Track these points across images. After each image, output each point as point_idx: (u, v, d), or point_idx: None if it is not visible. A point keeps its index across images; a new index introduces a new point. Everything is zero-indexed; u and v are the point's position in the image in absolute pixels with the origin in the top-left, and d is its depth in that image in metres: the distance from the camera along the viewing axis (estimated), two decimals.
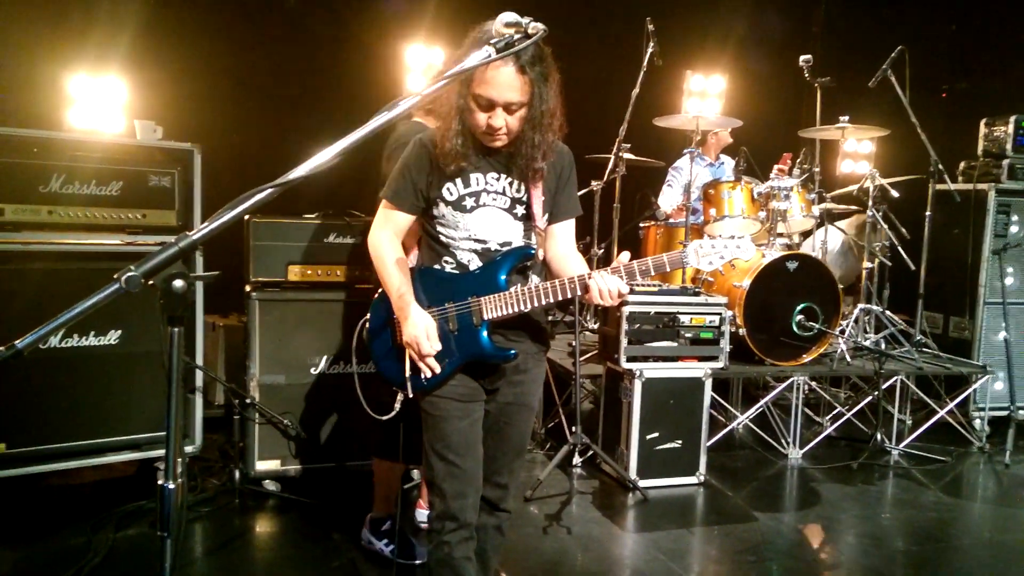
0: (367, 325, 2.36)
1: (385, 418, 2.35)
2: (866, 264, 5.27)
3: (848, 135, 5.54)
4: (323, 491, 3.75)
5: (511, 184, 2.24)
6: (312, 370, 3.79)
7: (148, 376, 3.70)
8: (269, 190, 1.23)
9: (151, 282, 1.20)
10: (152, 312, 3.71)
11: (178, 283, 1.19)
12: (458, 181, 2.21)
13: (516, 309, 2.17)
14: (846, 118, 5.22)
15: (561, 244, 2.36)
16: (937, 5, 7.42)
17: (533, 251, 2.26)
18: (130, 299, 3.65)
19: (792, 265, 4.75)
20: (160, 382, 3.74)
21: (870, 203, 5.17)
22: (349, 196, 3.93)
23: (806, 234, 5.61)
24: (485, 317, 2.18)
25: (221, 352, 5.00)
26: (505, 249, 2.24)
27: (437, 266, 2.27)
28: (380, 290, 2.34)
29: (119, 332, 3.63)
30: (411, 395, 2.25)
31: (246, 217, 3.71)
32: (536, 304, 2.18)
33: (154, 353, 3.71)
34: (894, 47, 5.16)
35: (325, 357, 3.80)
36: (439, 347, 2.18)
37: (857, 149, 7.24)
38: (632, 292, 4.14)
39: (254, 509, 3.62)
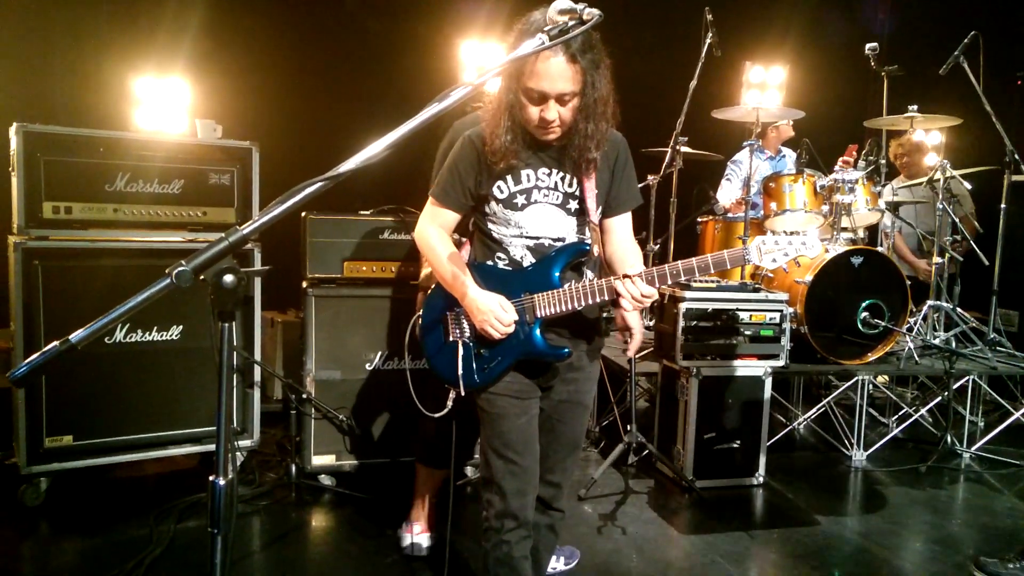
0: (419, 321, 2.34)
1: (438, 415, 2.33)
2: (936, 259, 5.06)
3: (917, 125, 5.33)
4: (377, 486, 3.77)
5: (563, 179, 2.19)
6: (367, 366, 3.81)
7: (209, 371, 3.77)
8: (319, 184, 1.22)
9: (202, 277, 1.19)
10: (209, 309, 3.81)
11: (228, 278, 1.19)
12: (508, 179, 2.17)
13: (570, 307, 2.13)
14: (915, 107, 5.02)
15: (618, 239, 2.31)
16: None
17: (587, 247, 2.21)
18: (189, 295, 3.72)
19: (857, 260, 4.59)
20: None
21: (940, 196, 4.96)
22: (403, 192, 3.95)
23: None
24: (538, 315, 2.15)
25: (279, 348, 5.08)
26: (559, 245, 2.20)
27: (490, 262, 2.24)
28: (432, 286, 2.33)
29: (180, 328, 3.71)
30: (463, 393, 2.23)
31: (303, 214, 3.78)
32: (590, 302, 2.13)
33: (215, 347, 3.78)
34: (966, 35, 4.95)
35: (379, 353, 3.81)
36: (515, 316, 2.14)
37: (925, 140, 6.98)
38: (689, 288, 4.05)
39: (310, 503, 3.65)
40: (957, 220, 5.06)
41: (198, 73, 5.08)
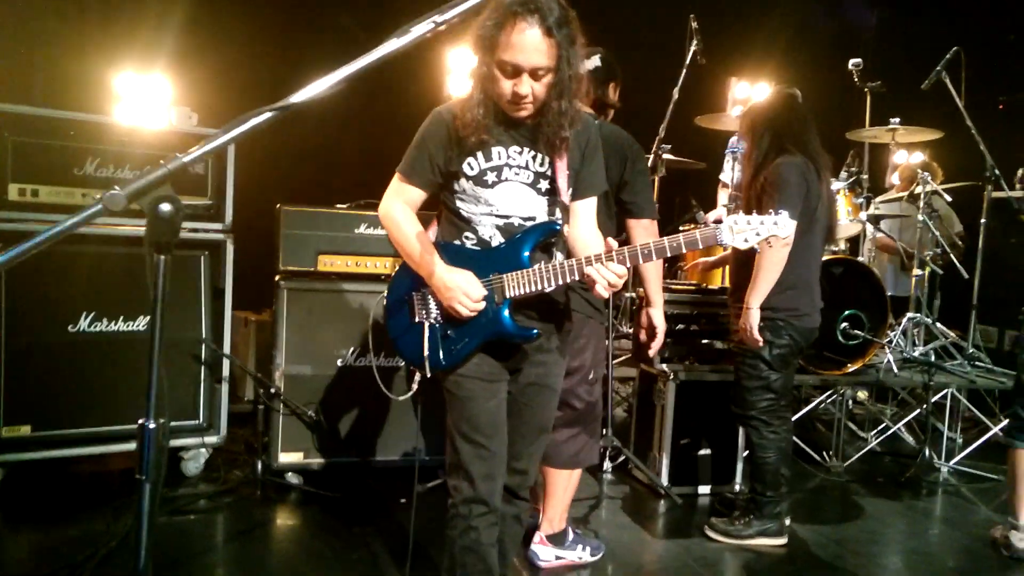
0: (384, 302, 2.28)
1: (402, 399, 2.27)
2: (916, 271, 5.05)
3: (899, 138, 5.34)
4: (345, 485, 3.68)
5: (535, 158, 2.14)
6: (338, 362, 3.73)
7: (177, 364, 3.69)
8: (268, 114, 1.16)
9: (136, 205, 1.13)
10: (178, 299, 3.73)
11: (165, 207, 1.12)
12: (479, 155, 2.12)
13: (539, 287, 2.07)
14: (896, 120, 5.04)
15: (584, 221, 2.25)
16: (993, 15, 7.17)
17: (558, 226, 2.15)
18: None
19: (837, 271, 4.56)
20: (189, 371, 3.73)
21: (920, 208, 4.96)
22: (382, 187, 3.88)
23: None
24: (507, 295, 2.09)
25: (252, 347, 4.97)
26: (529, 224, 2.15)
27: (458, 242, 2.18)
28: (398, 266, 2.27)
29: (148, 318, 3.62)
30: (429, 374, 2.16)
31: (278, 206, 3.71)
32: (560, 283, 2.07)
33: (183, 340, 3.70)
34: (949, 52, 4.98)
35: (352, 349, 3.74)
36: (484, 292, 2.09)
37: (908, 161, 7.01)
38: (669, 291, 4.01)
39: (275, 501, 3.55)
40: (938, 234, 5.06)
41: (179, 69, 5.03)
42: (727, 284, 4.51)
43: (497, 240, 2.15)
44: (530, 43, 1.94)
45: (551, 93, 2.02)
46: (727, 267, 4.41)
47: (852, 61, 5.54)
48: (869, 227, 5.19)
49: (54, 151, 3.41)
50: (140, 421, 1.21)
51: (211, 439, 3.77)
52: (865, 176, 5.23)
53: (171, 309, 3.74)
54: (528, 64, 1.96)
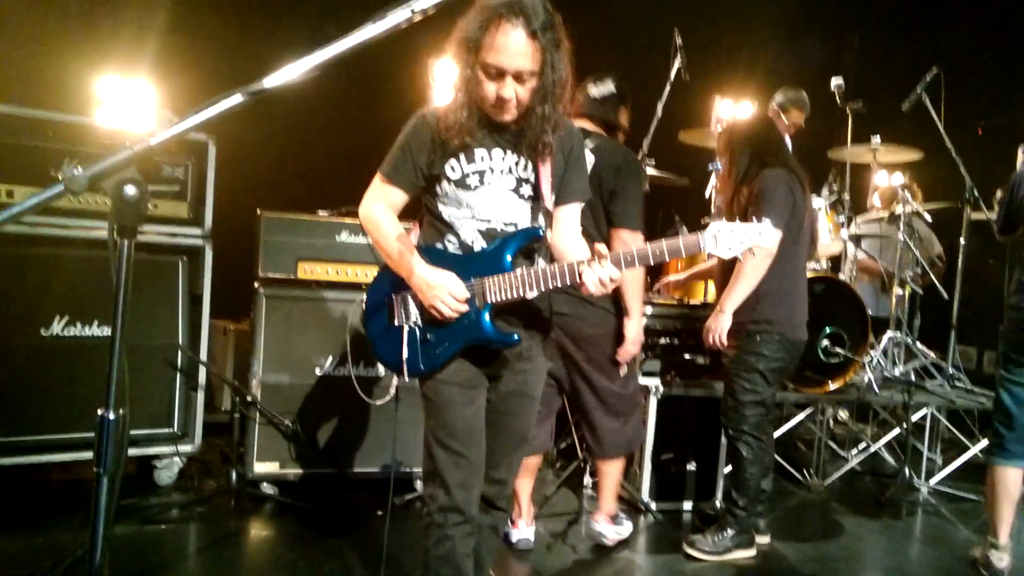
0: (363, 306, 2.25)
1: (379, 403, 2.23)
2: (896, 291, 5.08)
3: (880, 157, 5.39)
4: (321, 496, 3.61)
5: (517, 163, 2.12)
6: (316, 371, 3.68)
7: (151, 370, 3.62)
8: (238, 97, 1.13)
9: (100, 186, 1.09)
10: (155, 305, 3.67)
11: (130, 189, 1.09)
12: (462, 158, 2.10)
13: (520, 293, 2.04)
14: (877, 138, 5.08)
15: (568, 229, 2.23)
16: (973, 38, 7.28)
17: (540, 232, 2.13)
18: (134, 290, 3.59)
19: (818, 288, 4.56)
20: (165, 378, 3.66)
21: (900, 228, 4.99)
22: (363, 194, 3.85)
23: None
24: (488, 300, 2.06)
25: (230, 356, 4.91)
26: (511, 230, 2.13)
27: (439, 245, 2.15)
28: (378, 270, 2.25)
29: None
30: (407, 379, 2.13)
31: (258, 211, 3.66)
32: (542, 288, 2.05)
33: (157, 347, 3.64)
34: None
35: (331, 358, 3.68)
36: (467, 294, 2.05)
37: (890, 182, 7.07)
38: (651, 304, 4.00)
39: (249, 511, 3.48)
40: (918, 254, 5.09)
41: (163, 73, 4.98)
42: (709, 300, 4.51)
43: (479, 245, 2.12)
44: (514, 46, 1.93)
45: (535, 98, 2.01)
46: (709, 281, 4.41)
47: (834, 81, 5.58)
48: (850, 247, 5.21)
49: (31, 152, 3.35)
50: (99, 411, 1.16)
51: (185, 448, 3.70)
52: (847, 196, 5.26)
53: (148, 315, 3.68)
54: (512, 67, 1.95)
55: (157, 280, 3.65)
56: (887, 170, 6.18)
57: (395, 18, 1.22)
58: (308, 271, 3.71)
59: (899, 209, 5.02)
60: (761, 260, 3.23)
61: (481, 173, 2.11)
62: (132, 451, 3.60)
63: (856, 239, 5.24)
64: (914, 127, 5.33)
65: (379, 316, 2.20)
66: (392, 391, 2.23)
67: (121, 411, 1.18)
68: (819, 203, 4.79)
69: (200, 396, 3.74)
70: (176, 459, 3.71)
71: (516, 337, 2.11)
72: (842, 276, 5.07)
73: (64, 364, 3.40)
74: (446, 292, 2.03)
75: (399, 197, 2.17)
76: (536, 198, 2.14)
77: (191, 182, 3.70)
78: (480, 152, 2.10)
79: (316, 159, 5.52)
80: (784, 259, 3.31)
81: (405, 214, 2.24)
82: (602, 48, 6.35)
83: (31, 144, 3.35)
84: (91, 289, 3.44)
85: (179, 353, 3.68)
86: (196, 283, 3.72)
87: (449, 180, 2.11)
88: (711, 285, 4.51)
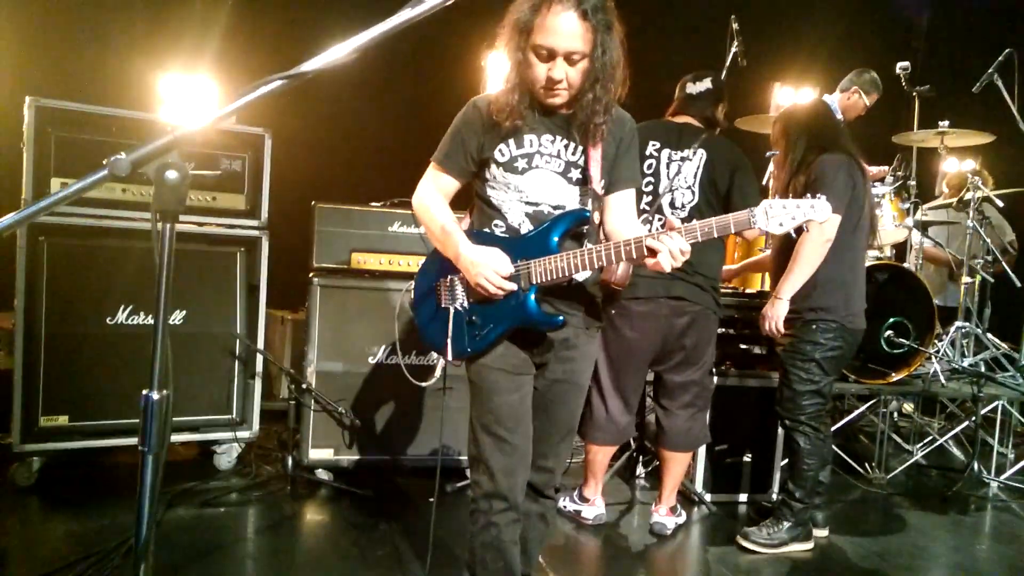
0: (412, 292, 2.27)
1: (426, 385, 2.25)
2: (965, 279, 4.88)
3: (948, 142, 5.19)
4: (375, 482, 3.67)
5: (567, 147, 2.12)
6: (370, 359, 3.72)
7: (210, 358, 3.73)
8: (279, 81, 1.15)
9: (142, 171, 1.12)
10: (214, 295, 3.76)
11: (172, 174, 1.11)
12: (511, 142, 2.10)
13: (567, 273, 2.03)
14: (946, 123, 4.89)
15: (621, 215, 2.21)
16: None
17: (588, 214, 2.11)
18: (194, 281, 3.65)
19: (881, 276, 4.43)
20: (223, 366, 3.76)
21: (970, 215, 4.80)
22: (415, 186, 3.88)
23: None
24: (534, 281, 2.05)
25: (287, 345, 5.01)
26: (558, 212, 2.12)
27: (487, 229, 2.16)
28: (427, 256, 2.26)
29: (184, 313, 3.66)
30: (452, 360, 2.14)
31: (312, 203, 3.72)
32: (589, 268, 2.03)
33: (216, 336, 3.73)
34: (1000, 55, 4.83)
35: (384, 347, 3.73)
36: (511, 270, 2.05)
37: (959, 169, 6.81)
38: None
39: (304, 497, 3.55)
40: (989, 241, 4.90)
41: (224, 70, 5.10)
42: (766, 288, 4.42)
43: (526, 227, 2.12)
44: (565, 26, 1.92)
45: (586, 80, 2.00)
46: (766, 272, 4.32)
47: (900, 65, 5.39)
48: (916, 235, 5.04)
49: (96, 146, 3.46)
50: (143, 391, 1.19)
51: (243, 434, 3.79)
52: (912, 182, 5.08)
53: (207, 305, 3.78)
54: (562, 48, 1.94)
55: (216, 271, 3.75)
56: (956, 156, 5.96)
57: (432, 2, 1.21)
58: (361, 261, 3.76)
59: (968, 195, 4.83)
60: (819, 246, 3.17)
61: (529, 156, 2.11)
62: (192, 436, 3.72)
63: (922, 226, 5.07)
64: (984, 111, 5.12)
65: (427, 300, 2.22)
66: (438, 373, 2.23)
67: (165, 391, 1.20)
68: (883, 190, 4.64)
69: (258, 384, 3.83)
70: (235, 445, 3.81)
71: (560, 319, 2.09)
72: (907, 265, 4.90)
73: (128, 352, 3.51)
74: (491, 269, 2.02)
75: (451, 184, 2.19)
76: (584, 182, 2.13)
77: (248, 175, 3.78)
78: (530, 137, 2.10)
79: (369, 151, 5.59)
80: (842, 246, 3.23)
81: (458, 206, 2.26)
82: (659, 34, 6.29)
83: (96, 139, 3.46)
84: (154, 280, 3.54)
85: (237, 342, 3.77)
86: (253, 274, 3.81)
87: (498, 164, 2.12)
88: (767, 276, 4.42)
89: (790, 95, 6.61)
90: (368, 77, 5.51)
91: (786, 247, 3.33)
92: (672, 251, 1.90)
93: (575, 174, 2.13)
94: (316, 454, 3.67)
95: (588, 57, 1.97)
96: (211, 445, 3.80)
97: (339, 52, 1.17)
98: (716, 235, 1.93)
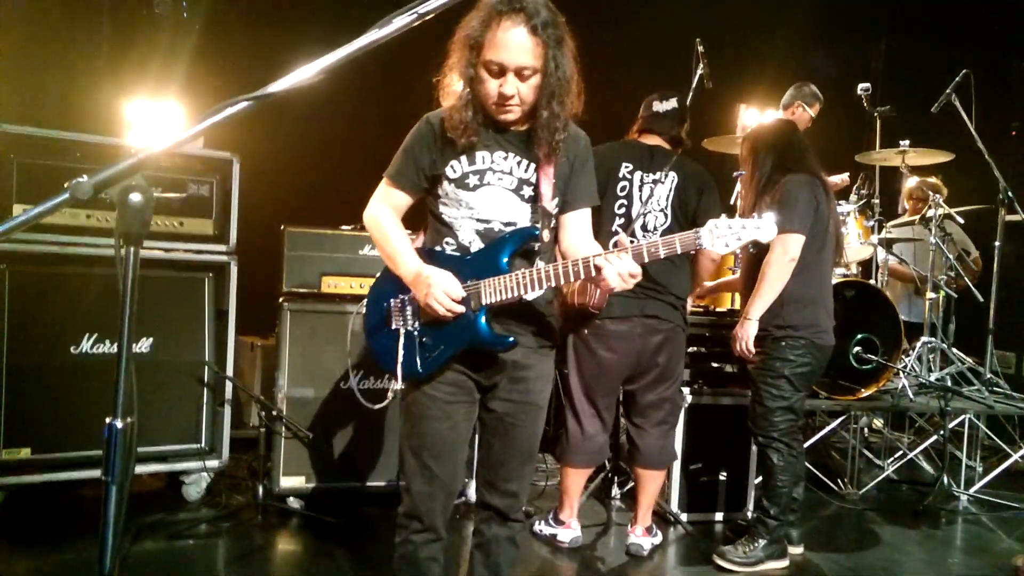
0: (363, 310, 2.25)
1: (377, 407, 2.25)
2: (930, 295, 4.97)
3: (909, 160, 5.30)
4: (347, 510, 3.61)
5: (519, 164, 2.11)
6: (342, 384, 3.68)
7: (179, 386, 3.66)
8: (244, 103, 1.14)
9: (105, 194, 1.10)
10: (182, 322, 3.70)
11: (136, 197, 1.09)
12: (463, 159, 2.10)
13: (517, 294, 2.01)
14: (906, 142, 5.00)
15: (578, 234, 2.22)
16: (1002, 41, 7.15)
17: (537, 231, 2.10)
18: (161, 307, 3.57)
19: (849, 293, 4.49)
20: (192, 394, 3.69)
21: (932, 231, 4.89)
22: None
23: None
24: (484, 302, 2.04)
25: (258, 372, 4.93)
26: (509, 230, 2.11)
27: (438, 248, 2.15)
28: (378, 275, 2.25)
29: (151, 340, 3.60)
30: (402, 382, 2.12)
31: (282, 227, 3.69)
32: (539, 288, 2.02)
33: (184, 363, 3.67)
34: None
35: (356, 372, 3.69)
36: (462, 293, 2.03)
37: (917, 180, 6.95)
38: None
39: (276, 526, 3.49)
40: (951, 256, 4.99)
41: (190, 96, 5.06)
42: (736, 307, 4.45)
43: (477, 245, 2.11)
44: (515, 41, 1.92)
45: (540, 97, 2.00)
46: (735, 291, 4.36)
47: (861, 86, 5.51)
48: (881, 252, 5.13)
49: (60, 172, 3.40)
50: (107, 420, 1.16)
51: (213, 463, 3.72)
52: (876, 200, 5.17)
53: (175, 331, 3.72)
54: (513, 63, 1.94)
55: (184, 297, 3.69)
56: (918, 175, 6.08)
57: (400, 22, 1.21)
58: (332, 285, 3.73)
59: (930, 212, 4.92)
60: (783, 265, 3.21)
61: (481, 173, 2.10)
62: (160, 467, 3.64)
63: (887, 243, 5.15)
64: (944, 130, 5.23)
65: (378, 321, 2.20)
66: (390, 395, 2.21)
67: (129, 419, 1.17)
68: (848, 208, 4.72)
69: (227, 412, 3.76)
70: (204, 475, 3.73)
71: (512, 340, 2.07)
72: (872, 281, 4.98)
73: (93, 381, 3.43)
74: (440, 290, 2.00)
75: (403, 199, 2.18)
76: (536, 199, 2.12)
77: (216, 199, 3.74)
78: (482, 154, 2.10)
79: (339, 175, 5.55)
80: (808, 265, 3.27)
81: (411, 223, 2.25)
82: (625, 57, 6.36)
83: (60, 164, 3.40)
84: (119, 307, 3.48)
85: (206, 369, 3.71)
86: (222, 299, 3.75)
87: (449, 180, 2.11)
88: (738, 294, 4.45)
89: (755, 116, 6.71)
90: (338, 99, 5.50)
91: (754, 267, 3.37)
92: (620, 271, 1.91)
93: (527, 191, 2.12)
94: (287, 482, 3.61)
95: (540, 73, 1.97)
96: (179, 475, 3.72)
97: (306, 73, 1.16)
98: (663, 255, 1.94)
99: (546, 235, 2.13)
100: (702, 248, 1.94)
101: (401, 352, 2.10)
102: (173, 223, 3.66)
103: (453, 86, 2.04)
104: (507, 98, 1.97)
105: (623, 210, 3.31)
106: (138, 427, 3.68)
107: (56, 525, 3.34)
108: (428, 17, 1.20)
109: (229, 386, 3.76)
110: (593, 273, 1.94)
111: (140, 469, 3.56)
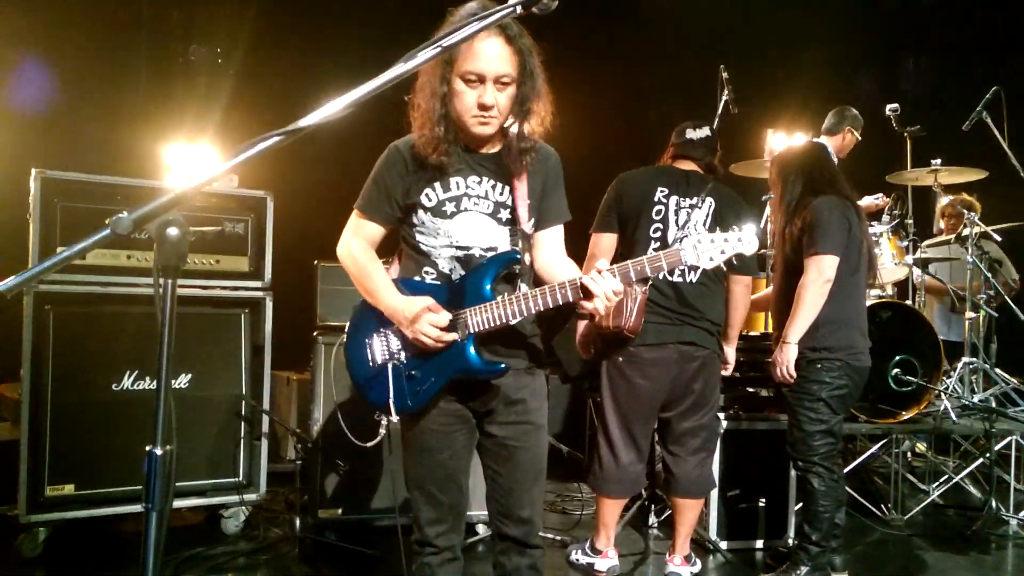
0: (344, 346, 2.22)
1: (370, 444, 2.24)
2: (969, 315, 4.88)
3: (941, 179, 5.24)
4: (383, 542, 3.61)
5: (494, 187, 2.12)
6: (376, 416, 3.70)
7: (216, 421, 3.72)
8: (276, 137, 1.18)
9: (144, 231, 1.14)
10: (219, 357, 3.77)
11: (173, 231, 1.14)
12: (437, 186, 2.10)
13: (503, 320, 2.01)
14: (938, 161, 4.95)
15: (549, 250, 2.23)
16: None
17: (519, 255, 2.10)
18: (199, 344, 3.64)
19: (885, 315, 4.43)
20: (229, 428, 3.74)
21: (969, 251, 4.82)
22: None
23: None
24: (470, 330, 2.03)
25: (293, 406, 5.00)
26: (490, 255, 2.11)
27: (417, 277, 2.15)
28: (356, 307, 2.24)
29: (189, 376, 3.66)
30: (395, 418, 2.11)
31: (315, 262, 3.76)
32: (525, 313, 2.01)
33: (222, 398, 3.73)
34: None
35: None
36: (447, 319, 2.02)
37: (950, 198, 6.86)
38: None
39: (313, 559, 3.49)
40: (989, 275, 4.91)
41: (226, 139, 5.21)
42: (770, 330, 4.41)
43: (457, 273, 2.11)
44: (492, 51, 1.95)
45: (513, 106, 2.02)
46: (768, 312, 4.32)
47: (889, 106, 5.49)
48: (916, 271, 5.06)
49: (101, 215, 3.48)
50: (147, 448, 1.19)
51: (250, 496, 3.76)
52: (909, 221, 5.12)
53: (212, 367, 3.79)
54: (492, 72, 1.96)
55: (221, 333, 3.76)
56: (951, 193, 6.02)
57: (425, 56, 1.25)
58: None
59: (966, 230, 4.86)
60: (819, 287, 3.19)
61: (457, 199, 2.10)
62: (199, 501, 3.68)
63: (922, 263, 5.09)
64: (976, 148, 5.19)
65: (362, 356, 2.16)
66: (382, 432, 2.20)
67: (169, 447, 1.20)
68: (880, 228, 4.68)
69: (264, 445, 3.81)
70: (242, 508, 3.77)
71: (503, 366, 2.07)
72: (909, 302, 4.91)
73: (135, 417, 3.50)
74: (426, 323, 2.00)
75: (376, 231, 2.18)
76: (514, 222, 2.13)
77: (251, 237, 3.82)
78: (455, 179, 2.10)
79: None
80: (842, 286, 3.25)
81: (383, 252, 2.24)
82: (650, 83, 6.40)
83: (101, 207, 3.51)
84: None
85: (243, 404, 3.76)
86: (258, 334, 3.82)
87: (425, 208, 2.11)
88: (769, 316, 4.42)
89: (783, 140, 6.70)
90: (367, 134, 5.61)
91: (786, 288, 3.35)
92: (607, 292, 1.92)
93: (504, 214, 2.13)
94: (324, 514, 3.63)
95: (516, 82, 2.00)
96: (218, 509, 3.76)
97: (335, 107, 1.20)
98: (650, 274, 1.94)
99: (527, 258, 2.13)
100: (688, 264, 1.94)
101: (391, 387, 2.08)
102: (210, 261, 3.74)
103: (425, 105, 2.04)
104: (487, 108, 1.98)
105: (659, 234, 3.29)
106: (177, 462, 3.74)
107: (99, 559, 3.40)
108: (453, 50, 1.23)
109: (266, 420, 3.81)
110: (581, 296, 1.95)
111: (179, 503, 3.61)
